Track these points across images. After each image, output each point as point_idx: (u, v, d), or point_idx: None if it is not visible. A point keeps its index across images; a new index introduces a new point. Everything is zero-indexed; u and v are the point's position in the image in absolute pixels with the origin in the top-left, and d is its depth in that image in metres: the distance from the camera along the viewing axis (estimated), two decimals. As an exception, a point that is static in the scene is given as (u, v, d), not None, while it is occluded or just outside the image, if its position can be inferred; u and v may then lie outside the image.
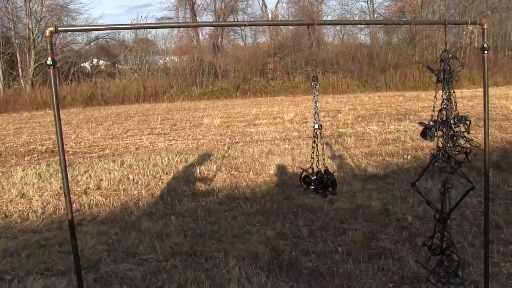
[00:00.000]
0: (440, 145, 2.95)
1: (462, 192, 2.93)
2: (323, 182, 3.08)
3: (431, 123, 3.07)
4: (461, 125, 2.99)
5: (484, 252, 3.20)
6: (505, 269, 3.81)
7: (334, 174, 3.14)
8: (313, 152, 3.10)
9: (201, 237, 4.88)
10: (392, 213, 5.30)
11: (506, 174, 6.70)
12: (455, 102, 2.98)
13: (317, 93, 3.00)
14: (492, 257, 3.96)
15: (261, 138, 10.89)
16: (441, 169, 3.04)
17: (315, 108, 3.04)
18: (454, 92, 2.96)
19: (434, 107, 3.03)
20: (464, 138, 3.01)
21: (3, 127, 15.75)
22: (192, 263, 4.22)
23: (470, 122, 3.12)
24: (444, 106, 2.95)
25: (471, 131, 3.12)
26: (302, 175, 3.16)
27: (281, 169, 7.63)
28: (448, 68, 2.89)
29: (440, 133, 2.99)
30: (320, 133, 3.07)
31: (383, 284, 3.71)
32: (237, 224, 5.19)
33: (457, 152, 3.00)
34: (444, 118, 2.97)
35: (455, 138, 2.98)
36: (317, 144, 3.07)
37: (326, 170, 3.14)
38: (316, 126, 3.04)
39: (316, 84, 3.01)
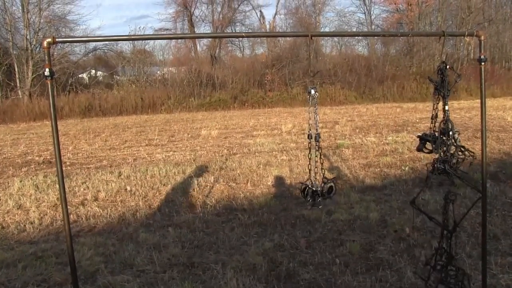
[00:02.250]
0: (440, 157, 2.95)
1: (461, 203, 2.93)
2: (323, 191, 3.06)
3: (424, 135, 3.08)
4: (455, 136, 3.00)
5: (482, 263, 3.19)
6: (503, 281, 3.80)
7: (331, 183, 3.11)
8: (310, 164, 3.09)
9: (199, 249, 4.86)
10: (390, 224, 5.29)
11: (504, 185, 6.71)
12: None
13: (316, 106, 2.99)
14: (490, 269, 3.96)
15: (259, 150, 10.89)
16: (440, 183, 3.05)
17: (314, 119, 3.03)
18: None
19: (432, 118, 3.04)
20: (462, 149, 3.02)
21: (0, 138, 15.72)
22: (190, 275, 4.21)
23: (459, 133, 3.12)
24: (447, 117, 2.96)
25: (469, 142, 3.13)
26: (302, 188, 3.13)
27: (278, 180, 7.63)
28: (446, 79, 2.91)
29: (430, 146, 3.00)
30: (319, 144, 3.06)
31: (381, 296, 3.70)
32: (235, 236, 5.18)
33: (455, 162, 3.00)
34: (444, 128, 2.98)
35: (454, 148, 2.99)
36: (311, 154, 3.05)
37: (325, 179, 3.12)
38: (313, 136, 3.03)
39: (311, 97, 2.99)
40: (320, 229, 5.26)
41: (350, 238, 4.96)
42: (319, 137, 3.01)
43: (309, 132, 3.00)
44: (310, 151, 3.01)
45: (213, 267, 4.33)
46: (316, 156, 3.01)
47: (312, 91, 2.95)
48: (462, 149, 3.01)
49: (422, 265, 3.40)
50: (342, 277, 4.01)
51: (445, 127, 2.96)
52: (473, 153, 3.05)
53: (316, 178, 3.09)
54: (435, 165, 2.99)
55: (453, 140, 2.97)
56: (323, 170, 2.99)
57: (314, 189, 3.04)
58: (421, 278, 3.43)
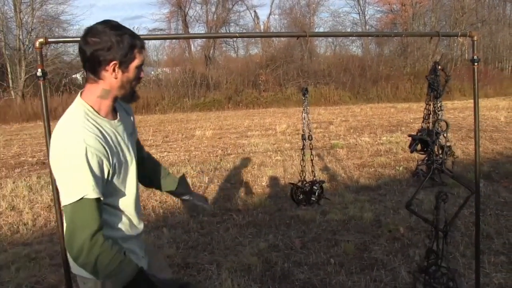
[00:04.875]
0: (433, 157, 2.96)
1: (454, 203, 2.94)
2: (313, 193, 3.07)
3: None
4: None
5: (475, 262, 3.21)
6: (496, 279, 3.83)
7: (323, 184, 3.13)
8: (303, 166, 3.10)
9: (194, 249, 4.86)
10: (384, 224, 5.31)
11: (497, 184, 6.75)
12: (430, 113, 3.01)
13: (307, 105, 3.00)
14: (483, 268, 3.98)
15: (253, 150, 10.89)
16: (432, 184, 3.05)
17: (304, 119, 3.04)
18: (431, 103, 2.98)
19: (429, 117, 3.04)
20: (447, 149, 3.03)
21: (-7, 139, 15.63)
22: (185, 275, 4.20)
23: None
24: (441, 117, 2.97)
25: (462, 142, 3.14)
26: (293, 190, 3.15)
27: (273, 180, 7.63)
28: (438, 79, 2.92)
29: (418, 146, 3.01)
30: (310, 144, 3.07)
31: (375, 296, 3.71)
32: (230, 236, 5.18)
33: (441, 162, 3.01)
34: (431, 129, 2.99)
35: (445, 147, 3.00)
36: (304, 155, 3.06)
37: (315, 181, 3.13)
38: (306, 136, 3.04)
39: (306, 97, 3.01)
40: (314, 229, 5.27)
41: (344, 238, 4.97)
42: (311, 139, 3.02)
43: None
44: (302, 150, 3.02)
45: (208, 268, 4.33)
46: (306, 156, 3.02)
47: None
48: (447, 149, 3.02)
49: (415, 269, 3.40)
50: (337, 277, 4.02)
51: (433, 127, 2.96)
52: (454, 152, 3.07)
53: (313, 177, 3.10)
54: (418, 167, 3.00)
55: (440, 141, 2.98)
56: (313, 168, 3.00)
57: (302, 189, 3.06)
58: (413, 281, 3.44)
